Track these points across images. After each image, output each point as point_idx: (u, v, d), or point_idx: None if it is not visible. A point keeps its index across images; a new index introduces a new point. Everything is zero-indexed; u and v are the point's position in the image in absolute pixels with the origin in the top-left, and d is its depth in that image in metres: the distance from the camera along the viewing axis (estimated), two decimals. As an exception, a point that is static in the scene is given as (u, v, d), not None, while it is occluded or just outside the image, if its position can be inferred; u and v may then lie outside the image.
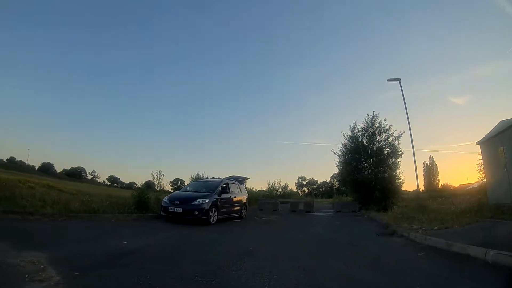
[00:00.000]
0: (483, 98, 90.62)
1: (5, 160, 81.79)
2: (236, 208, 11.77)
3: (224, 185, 11.25)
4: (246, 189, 13.90)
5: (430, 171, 66.63)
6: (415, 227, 7.60)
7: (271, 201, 19.99)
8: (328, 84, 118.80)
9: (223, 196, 10.64)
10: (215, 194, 10.20)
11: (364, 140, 18.76)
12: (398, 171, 18.00)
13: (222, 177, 12.67)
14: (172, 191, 18.39)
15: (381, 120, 18.65)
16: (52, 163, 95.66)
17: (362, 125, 19.12)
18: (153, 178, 14.83)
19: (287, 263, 4.51)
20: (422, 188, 49.90)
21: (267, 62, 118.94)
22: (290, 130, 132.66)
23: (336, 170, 21.78)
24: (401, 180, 17.87)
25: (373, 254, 5.38)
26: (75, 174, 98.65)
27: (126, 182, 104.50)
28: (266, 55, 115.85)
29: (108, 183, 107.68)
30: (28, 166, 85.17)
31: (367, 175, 17.48)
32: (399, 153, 17.91)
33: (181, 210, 9.29)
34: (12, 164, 75.10)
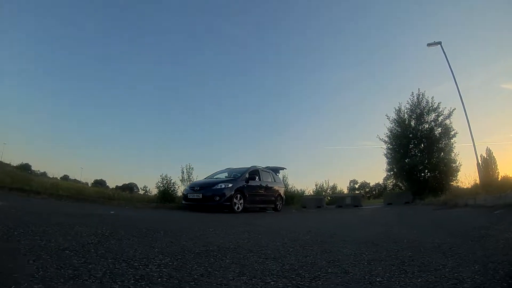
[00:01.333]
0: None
1: (59, 178, 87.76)
2: (269, 199, 10.44)
3: (253, 171, 10.01)
4: (282, 180, 12.45)
5: (488, 164, 60.01)
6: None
7: (316, 197, 18.38)
8: (369, 82, 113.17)
9: (251, 183, 9.37)
10: (241, 180, 9.02)
11: (412, 122, 16.46)
12: (453, 154, 15.47)
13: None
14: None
15: (428, 98, 16.34)
16: (104, 179, 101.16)
17: (408, 106, 16.90)
18: (183, 173, 13.98)
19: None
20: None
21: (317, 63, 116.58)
22: (338, 135, 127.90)
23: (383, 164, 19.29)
24: (457, 164, 15.23)
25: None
26: (127, 189, 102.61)
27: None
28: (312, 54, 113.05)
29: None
30: (82, 183, 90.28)
31: (417, 159, 15.08)
32: (453, 132, 15.40)
33: (200, 195, 8.24)
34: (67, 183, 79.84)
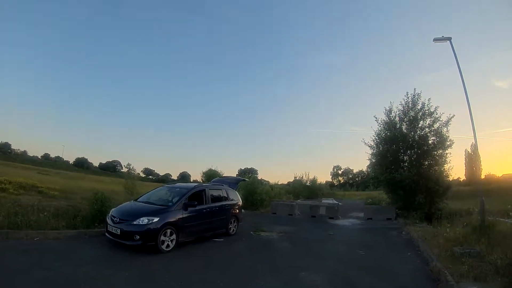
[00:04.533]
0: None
1: (39, 157, 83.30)
2: (218, 224, 8.74)
3: (197, 193, 8.22)
4: (238, 195, 10.66)
5: (472, 160, 58.54)
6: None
7: (287, 203, 16.76)
8: (361, 67, 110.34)
9: (191, 210, 7.57)
10: (176, 209, 7.23)
11: (403, 127, 14.53)
12: (446, 166, 13.73)
13: (233, 175, 9.80)
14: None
15: (424, 100, 14.30)
16: (86, 158, 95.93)
17: (401, 107, 14.88)
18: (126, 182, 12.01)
19: None
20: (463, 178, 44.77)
21: (291, 46, 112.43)
22: (324, 118, 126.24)
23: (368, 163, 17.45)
24: (450, 179, 13.51)
25: None
26: (110, 168, 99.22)
27: (161, 174, 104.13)
28: (287, 38, 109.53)
29: (143, 176, 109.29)
30: (64, 162, 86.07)
31: (408, 172, 13.26)
32: (448, 142, 13.56)
33: (118, 231, 6.49)
34: (47, 161, 75.02)
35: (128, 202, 8.21)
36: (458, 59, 9.73)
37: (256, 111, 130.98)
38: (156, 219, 6.59)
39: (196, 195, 8.08)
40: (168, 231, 6.75)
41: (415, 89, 14.36)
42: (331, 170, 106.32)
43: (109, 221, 6.92)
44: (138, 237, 6.31)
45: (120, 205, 7.81)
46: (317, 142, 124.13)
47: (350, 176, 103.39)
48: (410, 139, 14.01)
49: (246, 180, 11.44)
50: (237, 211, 9.85)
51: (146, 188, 11.40)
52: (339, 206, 15.51)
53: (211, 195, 8.71)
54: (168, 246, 6.69)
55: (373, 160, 15.94)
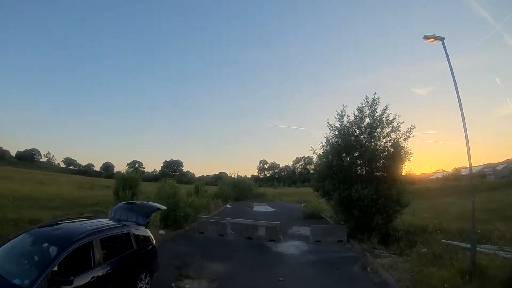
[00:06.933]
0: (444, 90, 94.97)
1: None
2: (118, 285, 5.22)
3: (78, 251, 4.54)
4: (150, 237, 6.96)
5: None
6: None
7: (217, 221, 13.62)
8: (294, 65, 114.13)
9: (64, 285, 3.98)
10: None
11: (362, 136, 12.67)
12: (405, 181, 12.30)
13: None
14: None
15: (387, 108, 12.56)
16: (1, 146, 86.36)
17: (357, 112, 12.97)
18: None
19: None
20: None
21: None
22: (253, 112, 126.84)
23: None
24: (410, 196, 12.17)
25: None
26: (27, 158, 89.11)
27: (83, 164, 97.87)
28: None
29: (64, 166, 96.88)
30: None
31: (367, 190, 11.38)
32: (409, 156, 12.15)
33: None
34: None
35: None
36: (449, 59, 7.87)
37: (183, 102, 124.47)
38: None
39: (76, 256, 4.37)
40: None
41: (375, 93, 12.55)
42: (258, 164, 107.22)
43: None
44: None
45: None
46: (244, 136, 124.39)
47: (277, 170, 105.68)
48: (369, 150, 12.14)
49: (164, 208, 7.82)
50: (150, 259, 6.38)
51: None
52: (280, 226, 13.01)
53: (104, 248, 5.03)
54: None
55: (323, 172, 13.80)
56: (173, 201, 13.41)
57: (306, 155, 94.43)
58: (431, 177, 53.82)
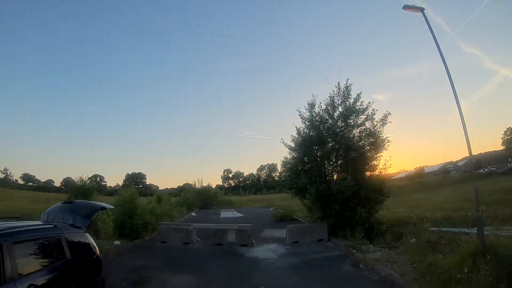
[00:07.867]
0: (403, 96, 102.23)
1: None
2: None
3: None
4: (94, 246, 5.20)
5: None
6: None
7: (180, 227, 11.89)
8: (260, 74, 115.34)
9: None
10: None
11: (336, 125, 11.78)
12: (384, 171, 11.57)
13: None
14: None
15: (356, 95, 11.89)
16: None
17: (329, 101, 12.21)
18: None
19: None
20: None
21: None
22: (215, 122, 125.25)
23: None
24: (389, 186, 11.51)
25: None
26: None
27: (43, 180, 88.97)
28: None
29: (22, 182, 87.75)
30: None
31: (346, 182, 10.42)
32: (386, 144, 11.52)
33: None
34: None
35: None
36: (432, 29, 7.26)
37: (146, 114, 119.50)
38: None
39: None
40: None
41: (348, 79, 11.84)
42: (222, 173, 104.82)
43: None
44: None
45: None
46: (208, 146, 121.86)
47: (241, 179, 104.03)
48: (343, 140, 11.30)
49: (111, 207, 6.12)
50: (91, 273, 4.69)
51: None
52: (251, 228, 11.63)
53: (21, 257, 3.35)
54: None
55: (295, 167, 12.76)
56: (129, 207, 11.45)
57: (270, 163, 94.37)
58: (395, 177, 56.21)
